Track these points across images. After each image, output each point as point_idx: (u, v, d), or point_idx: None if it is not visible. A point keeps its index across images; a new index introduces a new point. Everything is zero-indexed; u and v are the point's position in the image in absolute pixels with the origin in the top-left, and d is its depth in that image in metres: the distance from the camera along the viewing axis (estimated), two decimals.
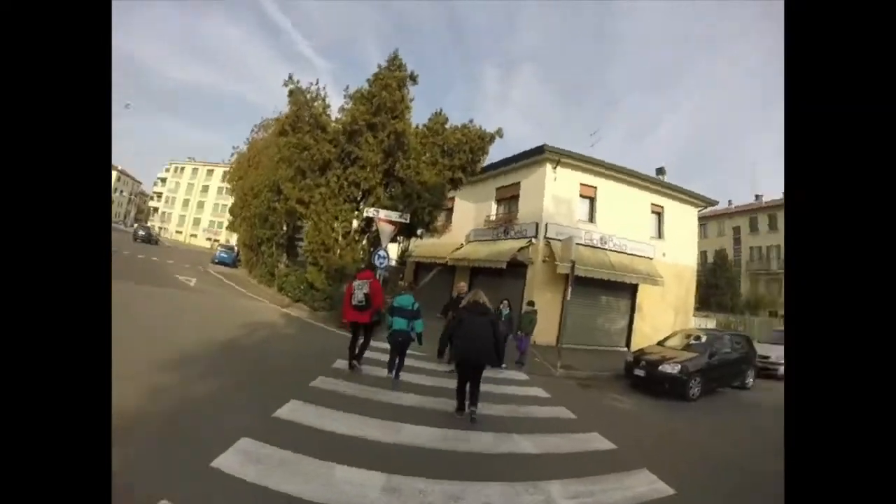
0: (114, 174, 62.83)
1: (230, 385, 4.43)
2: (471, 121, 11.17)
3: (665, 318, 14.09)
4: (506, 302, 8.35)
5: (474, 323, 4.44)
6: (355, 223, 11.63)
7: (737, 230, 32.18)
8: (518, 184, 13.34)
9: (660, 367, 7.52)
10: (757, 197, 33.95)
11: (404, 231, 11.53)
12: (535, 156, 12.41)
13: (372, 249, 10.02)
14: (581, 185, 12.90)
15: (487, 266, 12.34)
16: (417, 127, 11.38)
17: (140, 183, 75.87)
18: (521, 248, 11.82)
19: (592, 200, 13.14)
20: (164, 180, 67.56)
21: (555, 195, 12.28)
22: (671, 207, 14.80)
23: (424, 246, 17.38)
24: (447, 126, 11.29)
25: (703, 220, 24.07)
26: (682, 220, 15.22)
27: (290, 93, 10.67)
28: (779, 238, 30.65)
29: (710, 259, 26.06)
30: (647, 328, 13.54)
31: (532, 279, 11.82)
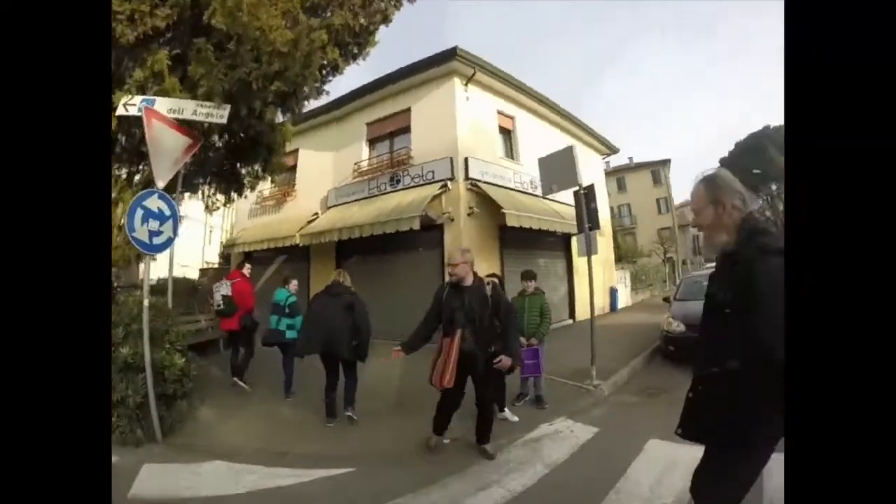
0: None
1: None
2: None
3: (595, 275, 12.15)
4: (493, 282, 3.33)
5: (324, 306, 3.62)
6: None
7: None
8: (408, 110, 9.03)
9: None
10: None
11: (221, 168, 5.58)
12: (442, 64, 8.35)
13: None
14: (498, 113, 9.53)
15: (372, 234, 7.78)
16: None
17: None
18: (434, 198, 7.78)
19: (510, 134, 9.96)
20: None
21: (473, 120, 8.58)
22: (582, 152, 12.80)
23: (255, 228, 11.71)
24: None
25: None
26: (591, 166, 13.54)
27: None
28: (626, 197, 34.10)
29: None
30: (581, 291, 11.29)
31: (455, 245, 7.96)
